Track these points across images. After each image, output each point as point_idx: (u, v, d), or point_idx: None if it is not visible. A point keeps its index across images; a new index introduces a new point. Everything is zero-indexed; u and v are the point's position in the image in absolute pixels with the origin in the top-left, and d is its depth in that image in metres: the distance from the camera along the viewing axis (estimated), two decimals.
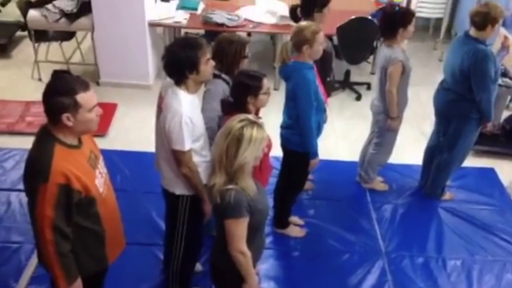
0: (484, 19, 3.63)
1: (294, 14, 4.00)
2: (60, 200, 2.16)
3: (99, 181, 2.38)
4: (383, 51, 3.84)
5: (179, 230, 3.06)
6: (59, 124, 2.20)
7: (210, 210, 3.03)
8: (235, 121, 2.29)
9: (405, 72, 3.77)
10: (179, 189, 2.95)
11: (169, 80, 2.84)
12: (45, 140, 2.23)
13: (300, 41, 3.27)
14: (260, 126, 2.30)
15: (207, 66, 2.76)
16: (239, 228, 2.32)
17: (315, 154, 3.47)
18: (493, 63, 3.67)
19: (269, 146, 2.88)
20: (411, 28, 3.75)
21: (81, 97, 2.18)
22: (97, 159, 2.42)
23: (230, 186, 2.28)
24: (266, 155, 2.88)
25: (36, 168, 2.17)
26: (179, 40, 2.87)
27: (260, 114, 3.11)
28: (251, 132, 2.24)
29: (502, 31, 5.37)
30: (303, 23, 3.41)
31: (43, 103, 2.22)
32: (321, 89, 3.45)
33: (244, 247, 2.35)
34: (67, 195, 2.17)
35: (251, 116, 2.38)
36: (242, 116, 2.34)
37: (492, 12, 3.62)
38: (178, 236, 3.08)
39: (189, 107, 2.74)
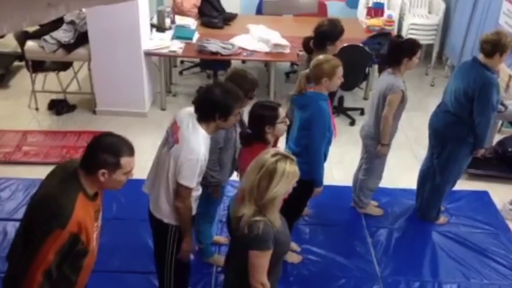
0: (494, 47, 3.65)
1: (307, 45, 4.08)
2: (65, 247, 2.16)
3: (95, 235, 2.38)
4: (385, 78, 3.89)
5: (168, 259, 3.04)
6: (91, 175, 2.22)
7: (190, 248, 3.03)
8: (268, 155, 2.32)
9: (403, 102, 3.84)
10: (167, 219, 2.94)
11: (188, 110, 2.86)
12: (70, 184, 2.23)
13: (320, 74, 3.34)
14: (292, 160, 2.34)
15: (235, 117, 2.85)
16: (263, 260, 2.34)
17: (321, 183, 3.52)
18: (497, 91, 3.73)
19: None
20: (415, 59, 3.80)
21: (125, 160, 2.24)
22: (99, 211, 2.44)
23: (258, 218, 2.30)
24: None
25: (57, 212, 2.15)
26: (223, 84, 2.92)
27: None
28: (285, 167, 2.28)
29: None
30: (321, 56, 3.46)
31: (86, 151, 2.24)
32: (333, 121, 3.51)
33: (265, 278, 2.37)
34: (73, 244, 2.18)
35: (282, 151, 2.42)
36: (274, 150, 2.39)
37: (502, 40, 3.64)
38: (168, 265, 3.07)
39: (206, 147, 2.78)
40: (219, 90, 2.80)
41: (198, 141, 2.74)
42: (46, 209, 2.18)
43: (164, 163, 2.86)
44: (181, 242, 3.00)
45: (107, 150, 2.22)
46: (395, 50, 3.87)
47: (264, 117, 2.98)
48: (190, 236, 2.99)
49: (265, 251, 2.32)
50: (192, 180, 2.77)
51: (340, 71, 3.37)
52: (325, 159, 3.55)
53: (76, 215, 2.15)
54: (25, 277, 2.18)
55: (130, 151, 2.28)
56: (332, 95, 3.90)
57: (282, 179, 2.27)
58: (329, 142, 3.50)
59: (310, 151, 3.39)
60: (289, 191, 2.37)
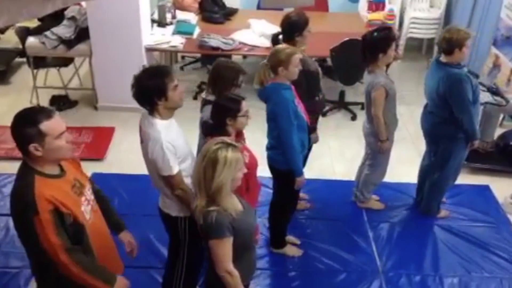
0: (450, 44, 3.69)
1: (276, 41, 4.09)
2: (58, 224, 2.16)
3: (85, 208, 2.37)
4: (367, 77, 3.90)
5: (181, 253, 3.08)
6: (31, 155, 2.19)
7: None
8: (212, 144, 2.34)
9: (389, 96, 3.82)
10: (175, 211, 2.97)
11: (144, 111, 2.88)
12: (24, 173, 2.23)
13: (276, 63, 3.34)
14: (235, 147, 2.34)
15: (175, 92, 2.78)
16: (223, 248, 2.35)
17: (300, 172, 3.50)
18: (470, 84, 3.72)
19: (252, 166, 2.91)
20: (391, 52, 3.78)
21: (45, 125, 2.17)
22: (82, 186, 2.41)
23: (212, 208, 2.33)
24: (252, 175, 2.91)
25: (22, 202, 2.16)
26: (146, 68, 2.87)
27: (248, 135, 3.16)
28: (226, 154, 2.29)
29: (494, 50, 5.47)
30: (279, 46, 3.48)
31: (12, 137, 2.22)
32: (301, 108, 3.49)
33: (230, 266, 2.38)
34: (60, 218, 2.18)
35: (227, 139, 2.43)
36: (219, 139, 2.40)
37: (454, 36, 3.68)
38: (180, 258, 3.10)
39: (166, 132, 2.77)
40: (144, 75, 2.77)
41: (156, 131, 2.75)
42: (15, 207, 2.22)
43: (147, 163, 2.94)
44: (192, 234, 3.00)
45: (23, 124, 2.18)
46: (369, 47, 3.81)
47: (226, 108, 2.95)
48: None
49: (222, 239, 2.33)
50: (169, 168, 2.77)
51: (295, 59, 3.33)
52: (303, 147, 3.53)
53: (40, 195, 2.13)
54: (56, 269, 2.21)
55: (47, 114, 2.20)
56: (314, 84, 3.82)
57: (225, 167, 2.29)
58: (302, 130, 3.46)
59: (281, 141, 3.39)
60: (238, 177, 2.37)
